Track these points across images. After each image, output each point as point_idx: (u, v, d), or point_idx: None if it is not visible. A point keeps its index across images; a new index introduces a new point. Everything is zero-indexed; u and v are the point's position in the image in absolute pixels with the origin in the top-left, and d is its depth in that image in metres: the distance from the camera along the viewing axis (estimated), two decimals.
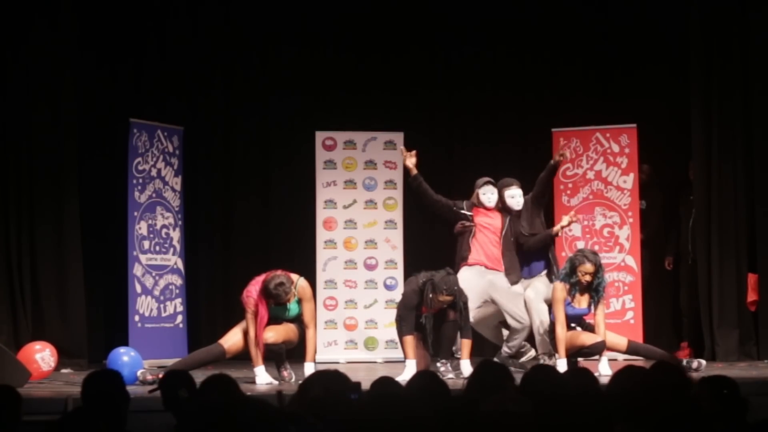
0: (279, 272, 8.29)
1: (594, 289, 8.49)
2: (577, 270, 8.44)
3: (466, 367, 8.40)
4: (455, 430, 3.53)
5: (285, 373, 8.42)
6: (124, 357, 8.43)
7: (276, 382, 8.20)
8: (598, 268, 8.47)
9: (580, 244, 10.17)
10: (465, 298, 8.52)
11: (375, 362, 10.43)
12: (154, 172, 10.09)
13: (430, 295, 8.36)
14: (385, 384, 4.32)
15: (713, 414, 3.84)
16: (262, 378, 8.18)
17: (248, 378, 8.12)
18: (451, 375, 8.46)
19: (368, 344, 10.60)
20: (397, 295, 10.21)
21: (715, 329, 9.80)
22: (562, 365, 8.29)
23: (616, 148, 10.44)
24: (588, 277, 8.43)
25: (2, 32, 9.53)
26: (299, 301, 8.35)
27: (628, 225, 10.34)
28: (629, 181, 10.39)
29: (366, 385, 4.35)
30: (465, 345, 8.53)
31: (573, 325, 8.59)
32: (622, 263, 10.35)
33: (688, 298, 10.36)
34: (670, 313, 10.76)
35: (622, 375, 4.16)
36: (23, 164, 9.58)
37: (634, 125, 10.40)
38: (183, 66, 10.99)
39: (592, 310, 8.56)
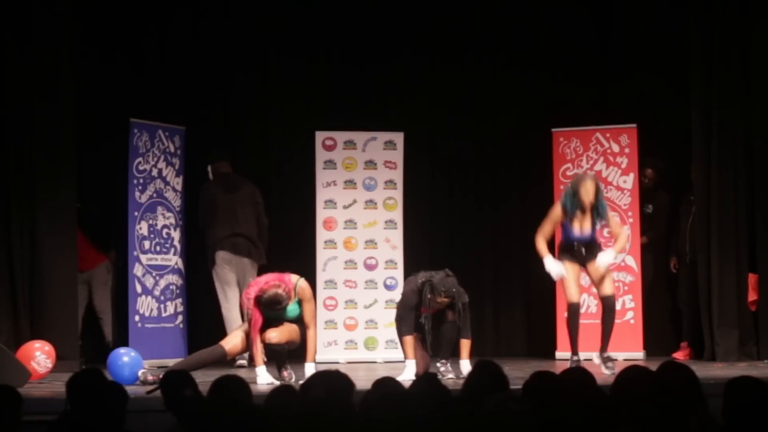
0: (281, 285, 8.25)
1: (595, 209, 8.69)
2: (579, 191, 8.66)
3: (466, 367, 8.40)
4: (456, 429, 3.53)
5: (285, 374, 8.42)
6: (124, 357, 8.43)
7: (277, 382, 8.20)
8: (599, 189, 8.74)
9: None
10: (464, 299, 8.52)
11: (375, 362, 10.44)
12: (155, 172, 10.08)
13: (429, 296, 8.37)
14: (387, 384, 4.32)
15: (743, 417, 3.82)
16: (263, 378, 8.18)
17: (248, 378, 8.11)
18: (451, 375, 8.47)
19: (368, 344, 10.60)
20: (397, 295, 10.21)
21: (715, 329, 9.79)
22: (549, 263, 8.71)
23: (616, 148, 10.45)
24: (590, 196, 8.64)
25: (2, 32, 9.52)
26: (299, 302, 8.36)
27: (628, 225, 10.34)
28: (629, 181, 10.40)
29: (367, 384, 4.35)
30: (464, 345, 8.53)
31: (579, 248, 8.71)
32: (622, 263, 10.35)
33: (687, 298, 10.36)
34: (670, 313, 10.76)
35: (626, 376, 4.14)
36: (24, 164, 9.56)
37: (634, 125, 10.40)
38: (183, 66, 11.00)
39: (598, 226, 8.80)
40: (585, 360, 8.79)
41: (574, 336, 8.76)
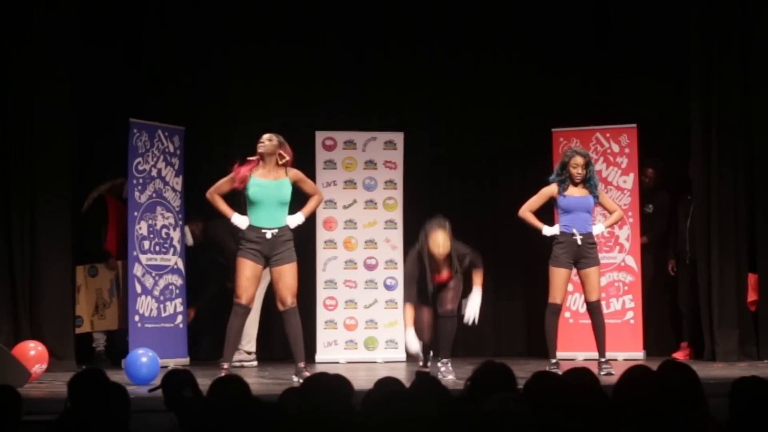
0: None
1: (587, 180, 8.78)
2: (568, 166, 8.75)
3: (477, 295, 8.65)
4: (457, 429, 3.53)
5: (305, 371, 8.33)
6: (142, 358, 8.43)
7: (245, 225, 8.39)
8: (588, 162, 8.82)
9: None
10: (463, 250, 8.62)
11: (375, 362, 10.43)
12: (154, 172, 10.08)
13: (426, 245, 8.47)
14: (389, 384, 4.32)
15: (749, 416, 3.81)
16: (240, 220, 8.47)
17: (251, 378, 8.10)
18: (451, 375, 8.46)
19: (368, 344, 10.60)
20: (397, 295, 10.25)
21: (715, 329, 9.80)
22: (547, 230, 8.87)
23: (616, 148, 10.45)
24: (580, 170, 8.73)
25: (2, 32, 9.52)
26: (293, 185, 8.56)
27: (628, 225, 10.34)
28: (629, 181, 10.40)
29: (367, 384, 4.35)
30: (477, 274, 8.70)
31: (575, 238, 8.76)
32: (622, 263, 10.36)
33: (687, 298, 10.36)
34: (670, 313, 10.76)
35: (629, 376, 4.14)
36: (25, 165, 9.56)
37: (634, 125, 10.41)
38: (183, 66, 11.00)
39: (596, 200, 8.85)
40: (586, 360, 8.79)
41: (552, 338, 8.78)
